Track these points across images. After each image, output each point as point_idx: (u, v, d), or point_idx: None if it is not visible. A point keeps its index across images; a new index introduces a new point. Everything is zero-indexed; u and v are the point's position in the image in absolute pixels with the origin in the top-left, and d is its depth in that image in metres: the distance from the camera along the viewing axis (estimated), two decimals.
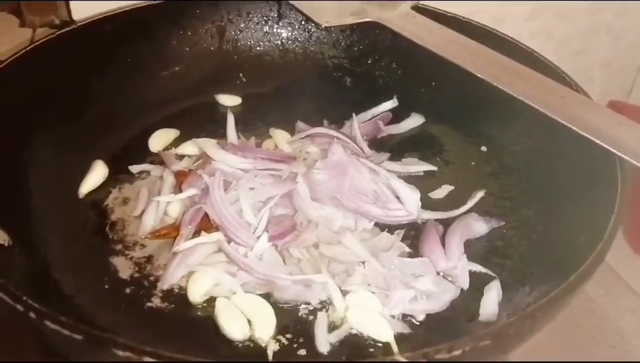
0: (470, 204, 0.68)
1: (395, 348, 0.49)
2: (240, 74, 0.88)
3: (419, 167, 0.74)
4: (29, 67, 0.68)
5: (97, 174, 0.69)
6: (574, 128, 0.57)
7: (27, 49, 0.69)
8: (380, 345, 0.51)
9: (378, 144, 0.78)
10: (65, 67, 0.73)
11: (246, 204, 0.62)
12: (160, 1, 0.82)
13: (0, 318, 0.54)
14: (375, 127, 0.79)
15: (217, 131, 0.77)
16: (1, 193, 0.59)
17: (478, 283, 0.59)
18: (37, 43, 0.70)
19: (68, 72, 0.73)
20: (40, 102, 0.69)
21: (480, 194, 0.69)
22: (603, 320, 0.70)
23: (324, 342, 0.52)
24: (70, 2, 0.89)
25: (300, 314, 0.56)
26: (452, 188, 0.72)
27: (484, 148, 0.77)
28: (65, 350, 0.42)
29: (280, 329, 0.54)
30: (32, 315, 0.38)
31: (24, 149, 0.65)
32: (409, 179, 0.71)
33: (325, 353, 0.51)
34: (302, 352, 0.53)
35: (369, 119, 0.80)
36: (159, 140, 0.76)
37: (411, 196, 0.65)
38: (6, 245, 0.55)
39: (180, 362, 0.35)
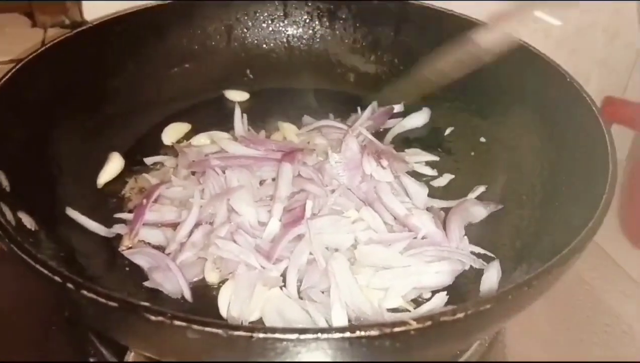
0: (471, 196, 0.71)
1: None
2: (248, 71, 0.91)
3: (422, 157, 0.77)
4: (47, 65, 0.71)
5: (114, 165, 0.73)
6: None
7: (47, 47, 0.72)
8: None
9: (382, 135, 0.81)
10: (81, 65, 0.76)
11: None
12: (170, 1, 0.85)
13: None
14: (380, 121, 0.82)
15: (226, 125, 0.81)
16: (27, 183, 0.62)
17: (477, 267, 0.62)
18: (55, 41, 0.73)
19: (84, 69, 0.77)
20: (59, 98, 0.72)
21: (481, 188, 0.72)
22: (599, 302, 0.73)
23: None
24: (83, 3, 0.93)
25: None
26: (452, 176, 0.76)
27: (482, 139, 0.81)
28: (98, 320, 0.46)
29: None
30: (69, 285, 0.41)
31: (45, 142, 0.68)
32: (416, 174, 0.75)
33: None
34: None
35: (372, 112, 0.84)
36: (171, 133, 0.80)
37: (419, 192, 0.68)
38: (33, 229, 0.59)
39: (207, 325, 0.38)
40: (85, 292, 0.41)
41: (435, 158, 0.78)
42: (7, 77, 0.65)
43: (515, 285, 0.43)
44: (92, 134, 0.75)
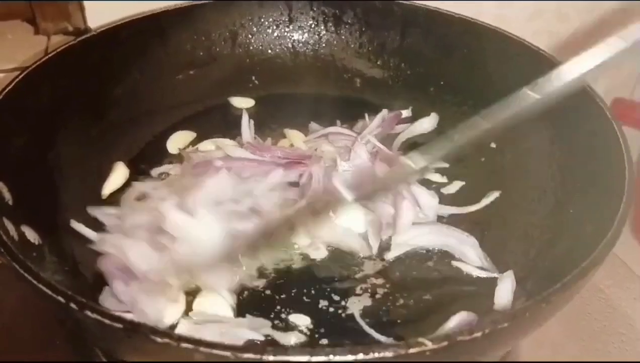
0: (485, 202, 0.70)
1: None
2: (253, 77, 0.90)
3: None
4: (51, 74, 0.70)
5: (119, 175, 0.72)
6: None
7: (50, 55, 0.71)
8: None
9: (390, 141, 0.80)
10: (85, 74, 0.75)
11: None
12: (173, 7, 0.84)
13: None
14: (389, 127, 0.81)
15: (232, 132, 0.79)
16: (30, 195, 0.61)
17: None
18: (58, 50, 0.72)
19: (88, 78, 0.76)
20: (63, 107, 0.71)
21: (495, 194, 0.71)
22: (613, 309, 0.72)
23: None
24: (86, 9, 0.92)
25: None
26: (463, 183, 0.74)
27: (493, 145, 0.79)
28: (102, 339, 0.44)
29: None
30: (73, 305, 0.40)
31: (49, 151, 0.67)
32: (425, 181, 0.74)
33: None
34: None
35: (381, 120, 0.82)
36: (176, 142, 0.78)
37: (430, 201, 0.67)
38: (36, 243, 0.58)
39: (215, 347, 0.37)
40: (89, 312, 0.40)
41: (445, 165, 0.76)
42: (10, 87, 0.64)
43: (533, 302, 0.42)
44: (96, 143, 0.74)
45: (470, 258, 0.63)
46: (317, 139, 0.77)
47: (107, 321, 0.39)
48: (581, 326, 0.69)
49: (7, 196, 0.57)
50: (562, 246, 0.60)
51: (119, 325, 0.39)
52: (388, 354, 0.37)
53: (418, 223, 0.65)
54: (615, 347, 0.68)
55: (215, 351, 0.37)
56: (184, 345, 0.38)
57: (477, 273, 0.62)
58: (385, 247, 0.65)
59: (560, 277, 0.46)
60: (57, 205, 0.63)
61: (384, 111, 0.81)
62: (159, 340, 0.38)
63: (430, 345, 0.38)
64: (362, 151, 0.69)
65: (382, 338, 0.55)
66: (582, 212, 0.62)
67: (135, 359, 0.44)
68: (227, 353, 0.37)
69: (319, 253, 0.63)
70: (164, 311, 0.55)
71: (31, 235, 0.57)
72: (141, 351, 0.41)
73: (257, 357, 0.37)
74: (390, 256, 0.63)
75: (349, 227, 0.64)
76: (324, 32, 0.91)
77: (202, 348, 0.38)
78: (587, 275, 0.45)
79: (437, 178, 0.75)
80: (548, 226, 0.65)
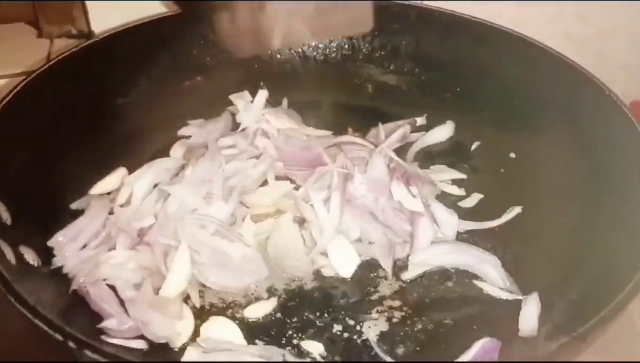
0: (505, 218, 0.66)
1: None
2: (262, 83, 0.87)
3: (448, 175, 0.73)
4: (52, 83, 0.68)
5: (114, 179, 0.68)
6: None
7: (51, 63, 0.68)
8: None
9: (403, 150, 0.76)
10: (88, 81, 0.73)
11: None
12: (180, 11, 0.81)
13: None
14: (403, 136, 0.77)
15: None
16: (29, 212, 0.58)
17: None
18: (60, 57, 0.70)
19: (91, 86, 0.73)
20: (66, 116, 0.69)
21: (517, 209, 0.67)
22: None
23: None
24: (89, 12, 0.89)
25: None
26: (481, 196, 0.71)
27: (512, 155, 0.76)
28: None
29: None
30: (71, 344, 0.37)
31: (50, 167, 0.64)
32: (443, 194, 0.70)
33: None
34: None
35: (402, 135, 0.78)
36: (180, 150, 0.75)
37: (449, 219, 0.64)
38: (36, 265, 0.55)
39: None
40: (88, 352, 0.37)
41: (463, 176, 0.73)
42: (8, 98, 0.62)
43: (570, 339, 0.39)
44: (101, 156, 0.71)
45: (492, 278, 0.60)
46: (329, 149, 0.74)
47: (102, 359, 0.36)
48: (607, 352, 0.65)
49: (5, 215, 0.55)
50: (590, 267, 0.57)
51: (102, 360, 0.36)
52: None
53: (436, 241, 0.62)
54: None
55: None
56: None
57: (499, 294, 0.59)
58: (402, 266, 0.61)
59: (592, 307, 0.43)
60: (58, 224, 0.60)
61: (406, 127, 0.77)
62: None
63: None
64: (379, 163, 0.66)
65: None
66: (611, 228, 0.59)
67: None
68: None
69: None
70: (175, 327, 0.53)
71: (30, 256, 0.55)
72: None
73: None
74: (407, 276, 0.60)
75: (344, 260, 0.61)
76: None
77: None
78: (625, 306, 0.42)
79: (454, 190, 0.71)
80: (574, 244, 0.62)
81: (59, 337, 0.38)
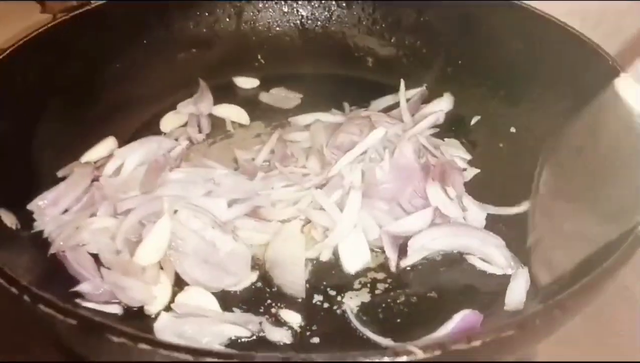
0: (516, 210, 0.63)
1: None
2: (259, 56, 0.85)
3: (457, 152, 0.70)
4: (42, 50, 0.67)
5: (105, 146, 0.68)
6: None
7: (40, 30, 0.67)
8: None
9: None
10: (79, 52, 0.72)
11: None
12: None
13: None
14: (414, 108, 0.76)
15: None
16: (10, 176, 0.58)
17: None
18: (50, 25, 0.69)
19: (81, 56, 0.72)
20: (55, 86, 0.68)
21: (525, 204, 0.63)
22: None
23: None
24: None
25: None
26: (477, 171, 0.68)
27: (513, 129, 0.73)
28: (63, 337, 0.41)
29: None
30: (26, 298, 0.36)
31: (38, 133, 0.64)
32: None
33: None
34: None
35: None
36: (171, 122, 0.74)
37: (478, 214, 0.61)
38: (14, 228, 0.54)
39: (173, 348, 0.33)
40: (42, 306, 0.36)
41: (469, 156, 0.70)
42: None
43: (544, 307, 0.36)
44: (90, 123, 0.70)
45: (497, 260, 0.56)
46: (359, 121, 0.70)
47: (60, 316, 0.35)
48: (605, 330, 0.62)
49: None
50: (581, 244, 0.54)
51: (73, 321, 0.35)
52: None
53: (436, 224, 0.59)
54: None
55: (175, 354, 0.33)
56: (142, 345, 0.34)
57: (494, 270, 0.56)
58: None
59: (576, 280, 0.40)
60: (40, 190, 0.59)
61: (439, 113, 0.73)
62: (115, 339, 0.34)
63: (420, 354, 0.33)
64: (408, 150, 0.63)
65: (377, 338, 0.50)
66: (609, 204, 0.56)
67: (97, 359, 0.41)
68: (188, 357, 0.33)
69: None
70: (151, 291, 0.52)
71: (9, 219, 0.54)
72: (97, 349, 0.38)
73: (220, 361, 0.33)
74: (406, 263, 0.57)
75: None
76: (335, 7, 0.86)
77: (162, 351, 0.33)
78: (606, 279, 0.39)
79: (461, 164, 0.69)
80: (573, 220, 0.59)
81: (14, 290, 0.37)
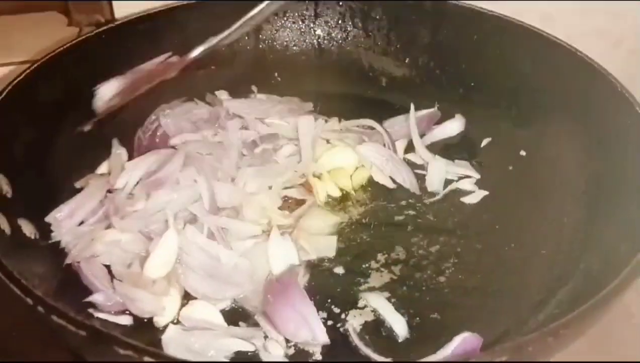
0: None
1: None
2: (275, 74, 0.87)
3: (466, 171, 0.72)
4: (63, 67, 0.69)
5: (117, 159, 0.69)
6: None
7: (64, 47, 0.70)
8: None
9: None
10: (101, 67, 0.74)
11: None
12: (195, 1, 0.82)
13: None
14: (425, 127, 0.77)
15: None
16: (30, 188, 0.60)
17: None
18: (73, 42, 0.72)
19: (103, 72, 0.74)
20: (77, 99, 0.70)
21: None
22: None
23: None
24: (113, 2, 0.91)
25: None
26: (486, 193, 0.69)
27: (523, 153, 0.73)
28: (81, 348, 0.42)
29: None
30: (40, 309, 0.38)
31: (54, 147, 0.66)
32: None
33: None
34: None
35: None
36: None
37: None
38: (33, 237, 0.57)
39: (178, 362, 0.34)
40: (55, 318, 0.38)
41: (477, 176, 0.71)
42: (19, 78, 0.64)
43: (538, 334, 0.37)
44: (106, 140, 0.72)
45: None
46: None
47: (72, 327, 0.37)
48: (605, 347, 0.62)
49: (6, 188, 0.57)
50: (589, 267, 0.55)
51: (83, 333, 0.37)
52: None
53: None
54: None
55: None
56: (147, 359, 0.35)
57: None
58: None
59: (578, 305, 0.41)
60: (60, 202, 0.62)
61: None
62: (121, 351, 0.36)
63: None
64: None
65: (379, 358, 0.51)
66: (614, 229, 0.57)
67: None
68: None
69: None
70: (160, 302, 0.53)
71: (28, 229, 0.57)
72: (106, 359, 0.39)
73: None
74: None
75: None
76: (351, 27, 0.87)
77: None
78: (610, 301, 0.40)
79: (467, 185, 0.70)
80: (578, 242, 0.60)
81: (29, 300, 0.39)
